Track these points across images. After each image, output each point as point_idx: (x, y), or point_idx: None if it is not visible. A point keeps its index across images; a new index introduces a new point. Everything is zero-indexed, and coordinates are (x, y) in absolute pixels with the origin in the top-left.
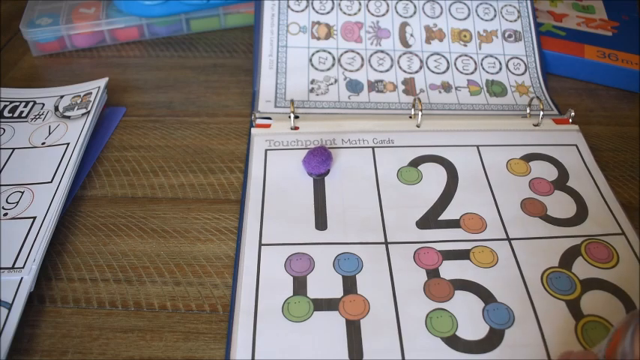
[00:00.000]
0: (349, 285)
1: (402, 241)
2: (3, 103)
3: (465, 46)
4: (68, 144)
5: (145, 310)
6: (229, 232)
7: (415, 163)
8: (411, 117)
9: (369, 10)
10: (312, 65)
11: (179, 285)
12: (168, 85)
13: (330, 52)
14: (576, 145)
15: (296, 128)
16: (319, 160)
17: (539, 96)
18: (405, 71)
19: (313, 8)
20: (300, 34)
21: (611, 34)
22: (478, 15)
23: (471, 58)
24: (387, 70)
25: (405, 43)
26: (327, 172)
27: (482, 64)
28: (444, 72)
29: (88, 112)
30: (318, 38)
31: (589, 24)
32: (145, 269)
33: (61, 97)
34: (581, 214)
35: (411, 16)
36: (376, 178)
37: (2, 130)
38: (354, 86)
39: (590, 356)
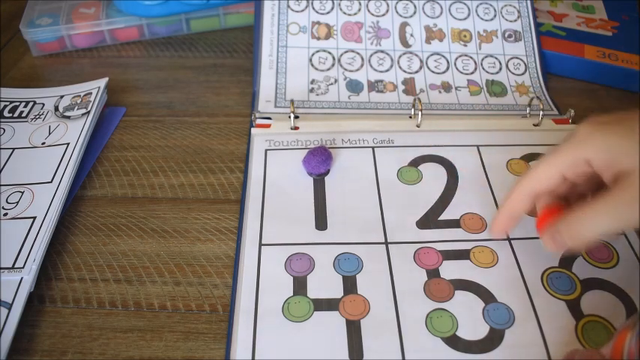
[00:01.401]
0: (349, 285)
1: (402, 241)
2: (3, 103)
3: (465, 46)
4: (68, 144)
5: (145, 310)
6: (229, 232)
7: (415, 163)
8: (411, 117)
9: (369, 10)
10: (312, 65)
11: (179, 285)
12: (168, 85)
13: (330, 52)
14: None
15: (296, 128)
16: (319, 160)
17: (539, 96)
18: (405, 71)
19: (313, 8)
20: (300, 34)
21: (611, 34)
22: (478, 15)
23: (471, 58)
24: (387, 70)
25: (405, 43)
26: (327, 172)
27: (482, 64)
28: (444, 72)
29: (88, 112)
30: (318, 38)
31: (589, 24)
32: (145, 269)
33: (61, 97)
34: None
35: (411, 16)
36: (376, 178)
37: (2, 130)
38: (354, 86)
39: (596, 356)
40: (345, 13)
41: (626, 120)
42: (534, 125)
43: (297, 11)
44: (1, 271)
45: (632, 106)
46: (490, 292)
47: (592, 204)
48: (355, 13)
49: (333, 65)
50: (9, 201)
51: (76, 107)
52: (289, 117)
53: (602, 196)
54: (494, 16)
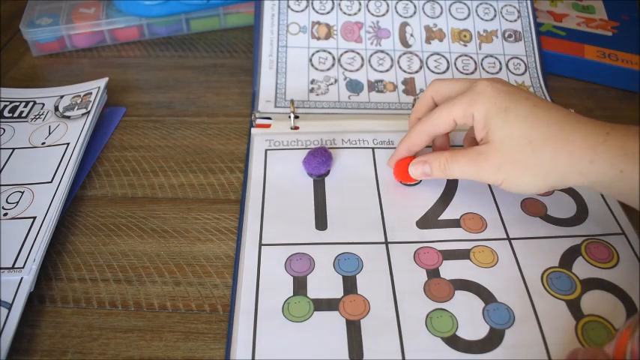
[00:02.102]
0: (349, 285)
1: (402, 241)
2: (3, 103)
3: (465, 46)
4: (68, 144)
5: (145, 310)
6: (229, 232)
7: None
8: None
9: (369, 10)
10: (312, 65)
11: (179, 285)
12: (168, 85)
13: (330, 52)
14: None
15: (296, 128)
16: (319, 161)
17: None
18: (405, 71)
19: (313, 8)
20: (300, 34)
21: (611, 34)
22: (478, 15)
23: (471, 58)
24: (387, 70)
25: (405, 43)
26: (328, 173)
27: (482, 64)
28: (444, 72)
29: (88, 112)
30: (318, 38)
31: (589, 24)
32: (145, 269)
33: (61, 97)
34: (581, 214)
35: (411, 16)
36: (376, 179)
37: (2, 130)
38: (354, 86)
39: (600, 355)
40: (345, 13)
41: (521, 104)
42: None
43: (297, 11)
44: (1, 271)
45: (632, 106)
46: (490, 292)
47: (463, 151)
48: (355, 13)
49: (333, 65)
50: (9, 201)
51: (76, 107)
52: (289, 117)
53: (471, 149)
54: (494, 16)
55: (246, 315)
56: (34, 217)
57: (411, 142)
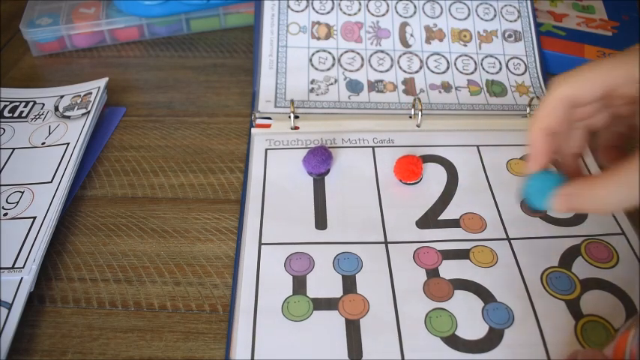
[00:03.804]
0: (349, 284)
1: (401, 240)
2: (3, 103)
3: (465, 46)
4: (68, 144)
5: (145, 310)
6: (229, 232)
7: None
8: (411, 117)
9: (369, 10)
10: (312, 65)
11: (179, 285)
12: (168, 85)
13: (330, 52)
14: None
15: (296, 128)
16: (319, 160)
17: (539, 96)
18: (405, 71)
19: (313, 8)
20: (300, 34)
21: (611, 34)
22: (478, 15)
23: (471, 58)
24: (387, 70)
25: (405, 43)
26: (327, 172)
27: (482, 64)
28: (444, 72)
29: (88, 112)
30: (318, 38)
31: (589, 24)
32: (145, 269)
33: (61, 97)
34: (581, 214)
35: (411, 16)
36: (376, 178)
37: (2, 130)
38: (354, 86)
39: (599, 356)
40: (345, 13)
41: None
42: None
43: (297, 11)
44: (1, 271)
45: None
46: (489, 292)
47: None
48: (355, 13)
49: (333, 65)
50: (9, 201)
51: (76, 107)
52: (289, 117)
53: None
54: (494, 16)
55: (245, 314)
56: (34, 217)
57: (542, 119)
